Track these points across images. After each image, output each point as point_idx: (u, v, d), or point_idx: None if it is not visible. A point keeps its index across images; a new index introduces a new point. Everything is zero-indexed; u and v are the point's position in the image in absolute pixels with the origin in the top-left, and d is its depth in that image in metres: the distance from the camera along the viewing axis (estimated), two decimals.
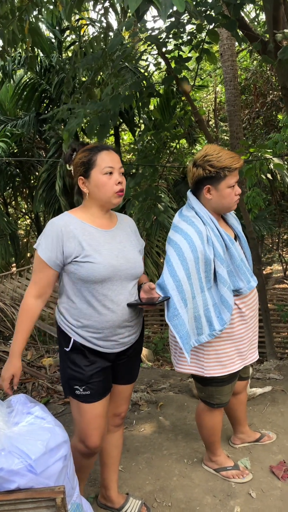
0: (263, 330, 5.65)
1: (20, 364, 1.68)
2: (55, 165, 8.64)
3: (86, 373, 1.67)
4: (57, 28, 8.64)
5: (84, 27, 8.61)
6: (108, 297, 1.66)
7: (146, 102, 4.00)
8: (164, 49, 3.74)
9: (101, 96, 4.20)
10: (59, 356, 1.79)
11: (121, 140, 11.95)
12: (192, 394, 3.12)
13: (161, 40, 3.47)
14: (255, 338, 2.09)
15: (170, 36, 3.46)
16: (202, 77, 12.67)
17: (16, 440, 1.35)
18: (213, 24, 3.15)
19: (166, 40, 3.52)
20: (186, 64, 3.59)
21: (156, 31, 3.49)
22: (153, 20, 3.69)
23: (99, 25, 3.83)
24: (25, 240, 12.87)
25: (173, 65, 3.74)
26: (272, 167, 6.10)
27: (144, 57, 5.55)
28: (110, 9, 3.67)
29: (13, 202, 12.88)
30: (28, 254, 11.77)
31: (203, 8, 2.99)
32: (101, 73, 4.36)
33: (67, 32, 8.76)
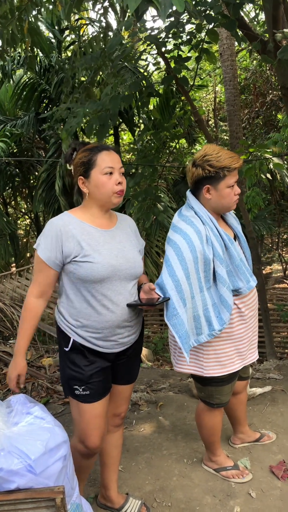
0: (262, 330, 5.65)
1: (24, 363, 1.70)
2: (54, 165, 8.65)
3: (85, 373, 1.67)
4: (56, 28, 8.63)
5: (83, 27, 8.60)
6: (107, 297, 1.66)
7: (146, 101, 4.01)
8: (163, 49, 3.74)
9: (100, 96, 4.20)
10: (58, 356, 1.79)
11: (120, 140, 11.96)
12: (192, 394, 3.12)
13: (160, 40, 3.47)
14: (254, 338, 2.09)
15: (170, 35, 3.46)
16: (202, 77, 12.68)
17: (15, 440, 1.35)
18: (213, 24, 3.15)
19: (166, 39, 3.52)
20: (186, 63, 3.59)
21: (156, 31, 3.49)
22: (153, 20, 3.69)
23: (98, 25, 3.83)
24: (24, 240, 12.87)
25: (172, 64, 3.74)
26: (271, 166, 6.10)
27: (143, 57, 5.55)
28: (110, 9, 3.67)
29: (13, 202, 12.88)
30: (28, 254, 11.77)
31: (203, 8, 2.99)
32: (101, 73, 4.36)
33: (67, 32, 8.75)
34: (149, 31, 3.47)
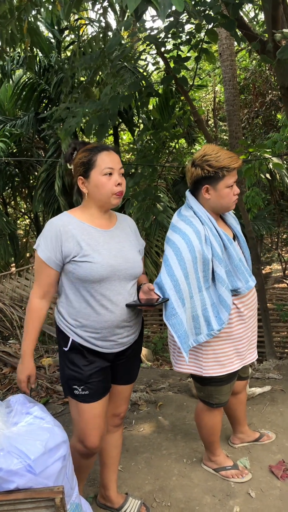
0: (262, 330, 5.66)
1: (33, 364, 1.70)
2: (54, 165, 8.64)
3: (84, 373, 1.67)
4: (56, 28, 8.62)
5: (83, 27, 8.60)
6: (106, 297, 1.66)
7: (145, 101, 4.00)
8: (163, 49, 3.74)
9: (100, 95, 4.20)
10: (58, 356, 1.79)
11: (120, 140, 11.96)
12: (191, 394, 3.12)
13: (160, 40, 3.47)
14: (254, 338, 2.09)
15: (169, 35, 3.46)
16: (201, 77, 12.68)
17: (15, 440, 1.35)
18: (212, 24, 3.15)
19: (165, 39, 3.51)
20: (185, 63, 3.59)
21: (155, 31, 3.49)
22: (152, 20, 3.68)
23: (98, 24, 3.83)
24: (24, 240, 12.85)
25: (172, 64, 3.74)
26: (271, 166, 6.11)
27: (143, 57, 5.55)
28: (109, 9, 3.67)
29: (12, 202, 12.87)
30: (28, 254, 11.76)
31: (202, 8, 2.99)
32: (100, 72, 4.36)
33: (66, 32, 8.75)
34: (148, 31, 3.47)
